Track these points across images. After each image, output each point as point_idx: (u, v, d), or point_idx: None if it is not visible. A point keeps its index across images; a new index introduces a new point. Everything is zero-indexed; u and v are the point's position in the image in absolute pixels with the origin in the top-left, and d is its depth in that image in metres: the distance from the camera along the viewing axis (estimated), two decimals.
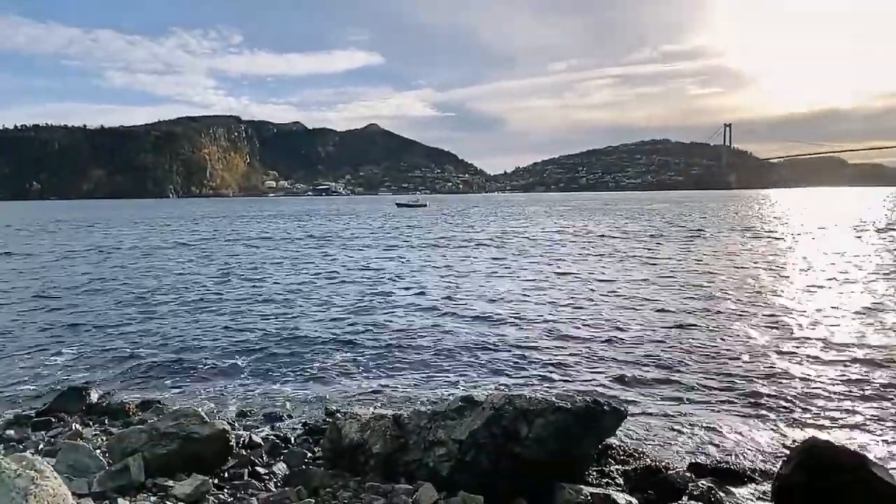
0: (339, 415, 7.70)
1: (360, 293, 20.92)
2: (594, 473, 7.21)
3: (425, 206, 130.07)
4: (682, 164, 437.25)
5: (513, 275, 25.14)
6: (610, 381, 11.11)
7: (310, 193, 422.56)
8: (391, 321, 16.23)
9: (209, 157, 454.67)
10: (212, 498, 6.21)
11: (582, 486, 6.62)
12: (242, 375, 11.80)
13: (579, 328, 15.10)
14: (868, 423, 8.95)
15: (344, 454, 7.16)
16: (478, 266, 28.23)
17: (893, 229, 46.90)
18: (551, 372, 11.66)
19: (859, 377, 10.92)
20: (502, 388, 10.49)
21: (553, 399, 6.88)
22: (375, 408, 9.70)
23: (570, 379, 11.21)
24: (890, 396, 9.95)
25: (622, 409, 7.26)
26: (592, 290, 20.86)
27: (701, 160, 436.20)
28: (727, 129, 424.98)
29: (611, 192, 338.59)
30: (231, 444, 7.38)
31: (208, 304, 19.00)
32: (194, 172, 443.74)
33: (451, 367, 12.06)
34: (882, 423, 8.92)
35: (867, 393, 10.14)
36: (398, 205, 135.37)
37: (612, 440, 7.89)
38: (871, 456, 7.12)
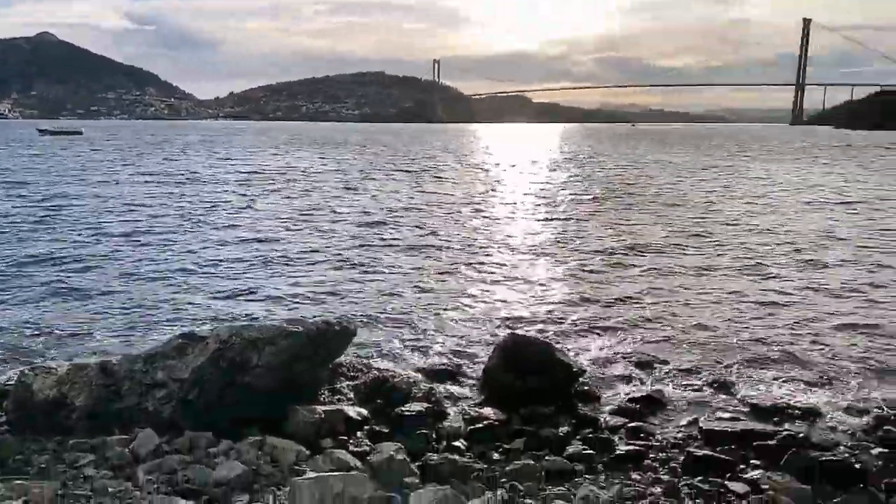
0: (25, 371, 6.52)
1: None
2: (327, 392, 7.38)
3: (80, 133, 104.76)
4: (396, 98, 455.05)
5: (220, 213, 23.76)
6: (337, 300, 11.39)
7: None
8: (91, 258, 14.15)
9: None
10: None
11: (316, 406, 6.74)
12: None
13: (296, 255, 15.07)
14: (555, 319, 10.65)
15: (37, 414, 6.13)
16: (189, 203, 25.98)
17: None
18: (273, 302, 11.38)
19: (550, 286, 12.93)
20: (229, 321, 9.97)
21: (283, 325, 6.79)
22: (74, 358, 8.46)
23: (292, 305, 11.12)
24: (570, 302, 12.03)
25: (352, 327, 7.51)
26: (310, 221, 20.88)
27: (414, 94, 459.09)
28: (436, 64, 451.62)
29: (332, 123, 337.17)
30: None
31: None
32: None
33: (166, 306, 11.04)
34: (566, 318, 10.72)
35: (555, 296, 12.08)
36: (40, 131, 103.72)
37: (344, 358, 8.12)
38: (557, 344, 8.59)
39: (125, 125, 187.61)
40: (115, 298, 11.43)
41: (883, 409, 7.10)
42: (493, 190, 30.17)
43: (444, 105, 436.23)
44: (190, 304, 11.19)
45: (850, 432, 6.71)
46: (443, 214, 21.75)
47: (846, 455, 6.05)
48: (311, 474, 4.87)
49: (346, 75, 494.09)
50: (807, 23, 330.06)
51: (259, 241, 16.73)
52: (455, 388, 7.89)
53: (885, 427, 6.60)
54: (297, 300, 11.54)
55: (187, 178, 33.36)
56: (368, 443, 6.27)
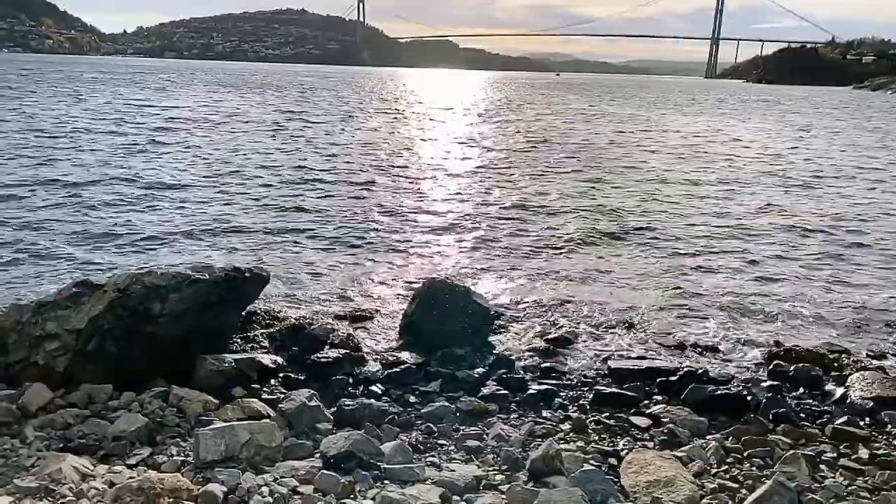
0: None
1: None
2: (239, 341, 7.15)
3: None
4: (319, 38, 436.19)
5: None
6: (252, 251, 10.98)
7: None
8: None
9: None
10: None
11: (226, 355, 6.51)
12: None
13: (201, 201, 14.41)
14: (473, 266, 10.71)
15: None
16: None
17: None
18: (178, 254, 10.73)
19: (470, 236, 12.95)
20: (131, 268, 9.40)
21: (188, 272, 6.44)
22: None
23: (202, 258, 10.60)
24: (489, 249, 12.11)
25: (264, 273, 7.24)
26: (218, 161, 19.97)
27: (338, 35, 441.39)
28: (360, 4, 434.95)
29: (251, 63, 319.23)
30: None
31: None
32: None
33: (61, 258, 10.26)
34: (485, 265, 10.81)
35: (474, 244, 12.10)
36: None
37: (258, 305, 7.87)
38: (474, 288, 8.62)
39: (11, 58, 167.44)
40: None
41: (773, 345, 7.61)
42: (421, 139, 29.71)
43: (369, 48, 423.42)
44: (85, 255, 10.43)
45: (743, 366, 7.18)
46: (369, 165, 21.21)
47: (739, 388, 6.47)
48: (218, 423, 4.72)
49: (266, 12, 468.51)
50: None
51: (169, 191, 15.56)
52: (374, 334, 7.83)
53: (775, 361, 7.08)
54: (206, 251, 11.01)
55: (85, 122, 30.93)
56: (282, 390, 6.14)
